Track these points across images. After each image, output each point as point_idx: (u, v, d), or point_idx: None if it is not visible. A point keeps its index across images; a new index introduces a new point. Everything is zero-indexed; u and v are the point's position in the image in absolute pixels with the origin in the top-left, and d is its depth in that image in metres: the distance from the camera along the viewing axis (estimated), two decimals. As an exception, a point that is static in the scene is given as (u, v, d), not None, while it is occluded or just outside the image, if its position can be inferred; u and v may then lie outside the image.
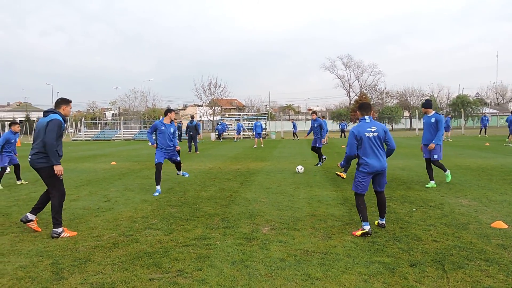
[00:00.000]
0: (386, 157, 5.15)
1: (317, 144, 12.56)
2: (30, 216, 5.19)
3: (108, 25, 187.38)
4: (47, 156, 5.00)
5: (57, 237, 4.94)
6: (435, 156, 8.16)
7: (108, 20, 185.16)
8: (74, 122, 58.12)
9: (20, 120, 61.60)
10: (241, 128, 34.72)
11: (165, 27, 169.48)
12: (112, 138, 41.71)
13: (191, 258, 4.14)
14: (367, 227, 4.84)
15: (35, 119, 59.14)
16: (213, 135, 35.48)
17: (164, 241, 4.76)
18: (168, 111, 8.39)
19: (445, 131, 27.24)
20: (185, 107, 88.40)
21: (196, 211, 6.33)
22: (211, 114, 53.99)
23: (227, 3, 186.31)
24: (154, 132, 8.26)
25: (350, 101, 66.39)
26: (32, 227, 5.22)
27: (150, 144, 8.56)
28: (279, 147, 22.96)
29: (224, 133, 35.36)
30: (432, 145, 8.06)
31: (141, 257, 4.18)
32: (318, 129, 12.51)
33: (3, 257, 4.24)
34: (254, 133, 25.26)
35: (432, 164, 8.37)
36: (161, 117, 9.23)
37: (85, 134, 44.23)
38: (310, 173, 10.88)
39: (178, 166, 8.69)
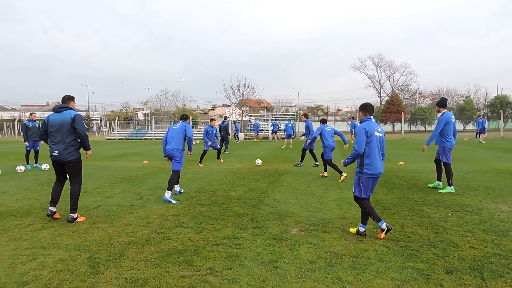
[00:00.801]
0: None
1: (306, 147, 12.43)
2: (53, 209, 5.81)
3: (140, 27, 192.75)
4: (77, 149, 5.76)
5: (72, 222, 5.61)
6: (441, 158, 8.20)
7: (140, 22, 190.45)
8: (108, 122, 60.12)
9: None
10: (258, 128, 34.74)
11: (194, 29, 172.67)
12: (144, 137, 42.80)
13: (221, 257, 4.18)
14: (383, 225, 4.76)
15: (71, 118, 61.59)
16: (242, 136, 35.67)
17: (194, 239, 4.83)
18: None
19: (481, 133, 26.13)
20: (214, 107, 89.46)
21: (226, 210, 6.39)
22: (239, 115, 54.31)
23: (257, 5, 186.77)
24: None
25: (381, 101, 64.89)
26: (56, 217, 5.88)
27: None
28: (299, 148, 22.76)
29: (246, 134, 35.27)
30: (424, 147, 8.22)
31: (172, 254, 4.26)
32: (306, 130, 12.83)
33: (44, 250, 4.44)
34: (285, 133, 25.12)
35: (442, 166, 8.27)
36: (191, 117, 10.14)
37: (118, 133, 45.57)
38: (339, 175, 10.71)
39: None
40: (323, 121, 10.93)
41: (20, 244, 4.63)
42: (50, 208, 5.77)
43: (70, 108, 5.77)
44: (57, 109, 5.70)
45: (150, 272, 3.77)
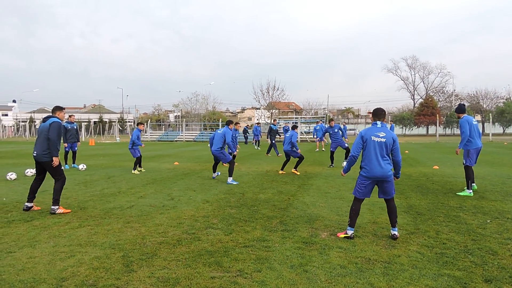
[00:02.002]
0: (395, 170, 5.08)
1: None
2: (29, 204, 6.58)
3: (173, 31, 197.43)
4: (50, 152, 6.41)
5: (54, 213, 6.28)
6: (463, 161, 8.08)
7: (173, 26, 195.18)
8: (140, 124, 61.72)
9: (94, 121, 66.96)
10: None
11: (225, 31, 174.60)
12: (175, 139, 43.68)
13: (251, 259, 4.19)
14: (350, 232, 4.96)
15: (107, 120, 63.96)
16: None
17: (224, 240, 4.88)
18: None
19: None
20: (243, 110, 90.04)
21: (255, 213, 6.41)
22: (268, 117, 54.36)
23: (287, 8, 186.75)
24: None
25: (414, 104, 63.08)
26: (34, 208, 6.61)
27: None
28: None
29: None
30: (457, 150, 8.24)
31: (203, 255, 4.32)
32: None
33: (81, 247, 4.63)
34: (315, 136, 24.66)
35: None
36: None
37: (151, 135, 46.77)
38: (371, 178, 10.51)
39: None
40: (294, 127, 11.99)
41: (59, 242, 4.85)
42: (26, 203, 6.62)
43: (54, 117, 6.62)
44: (44, 119, 6.67)
45: (181, 272, 3.84)
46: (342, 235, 5.00)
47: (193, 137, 43.98)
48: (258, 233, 5.19)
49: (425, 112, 53.39)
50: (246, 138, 31.87)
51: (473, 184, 8.01)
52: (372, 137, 4.93)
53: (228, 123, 10.12)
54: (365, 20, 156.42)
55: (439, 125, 43.57)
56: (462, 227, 5.40)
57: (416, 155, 18.56)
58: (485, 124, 54.11)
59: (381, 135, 4.92)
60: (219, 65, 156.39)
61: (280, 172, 11.72)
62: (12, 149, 25.54)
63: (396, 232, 4.93)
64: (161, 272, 3.83)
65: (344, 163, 5.02)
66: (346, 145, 13.95)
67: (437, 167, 12.81)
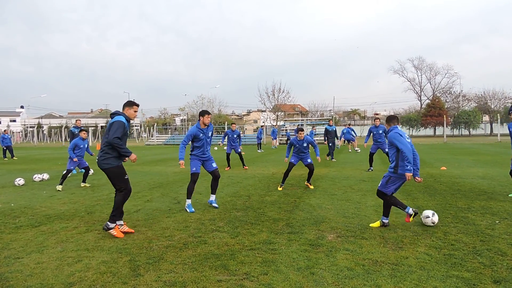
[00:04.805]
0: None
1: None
2: (111, 224, 5.33)
3: (179, 35, 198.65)
4: (112, 157, 5.33)
5: (106, 230, 5.25)
6: None
7: (179, 30, 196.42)
8: (147, 128, 62.19)
9: (101, 126, 67.44)
10: (276, 134, 33.42)
11: (231, 34, 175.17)
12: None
13: (257, 262, 4.19)
14: (411, 210, 5.46)
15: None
16: (277, 142, 35.62)
17: (230, 243, 4.88)
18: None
19: None
20: (248, 112, 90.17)
21: (261, 215, 6.40)
22: (274, 119, 54.40)
23: (292, 11, 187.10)
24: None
25: (421, 105, 62.66)
26: (124, 230, 5.44)
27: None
28: (343, 152, 22.40)
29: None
30: None
31: (209, 259, 4.32)
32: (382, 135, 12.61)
33: (88, 252, 4.65)
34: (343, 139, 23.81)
35: None
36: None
37: (157, 139, 46.99)
38: (378, 180, 10.44)
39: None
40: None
41: (67, 246, 4.88)
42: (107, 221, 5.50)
43: (121, 114, 5.65)
44: (110, 115, 5.87)
45: (188, 275, 3.85)
46: (411, 219, 5.51)
47: (199, 140, 44.00)
48: (265, 236, 5.18)
49: (432, 113, 53.02)
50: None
51: None
52: (407, 138, 5.38)
53: (203, 113, 7.23)
54: (371, 21, 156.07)
55: (446, 126, 43.18)
56: (470, 228, 5.34)
57: (424, 156, 18.41)
58: (493, 124, 53.55)
59: (407, 136, 5.46)
60: (225, 67, 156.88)
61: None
62: (21, 155, 25.80)
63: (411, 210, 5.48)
64: (168, 276, 3.84)
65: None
66: (387, 149, 12.92)
67: (445, 168, 12.70)
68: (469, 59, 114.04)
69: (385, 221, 5.54)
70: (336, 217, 6.20)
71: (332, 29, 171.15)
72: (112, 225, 5.28)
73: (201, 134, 7.13)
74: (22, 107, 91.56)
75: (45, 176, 11.79)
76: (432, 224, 5.42)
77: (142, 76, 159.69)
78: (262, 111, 66.00)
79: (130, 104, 5.74)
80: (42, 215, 6.67)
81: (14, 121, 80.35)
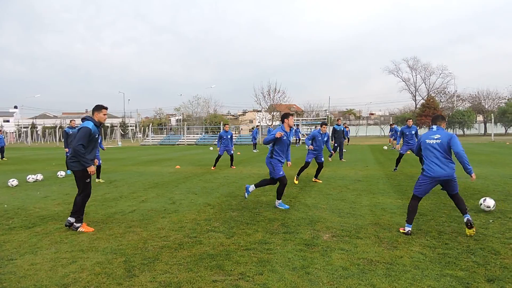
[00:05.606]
0: (462, 164, 5.14)
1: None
2: (71, 219, 5.71)
3: (174, 35, 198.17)
4: (78, 161, 5.60)
5: (75, 231, 5.55)
6: None
7: (174, 30, 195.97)
8: (142, 128, 61.98)
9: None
10: (257, 135, 33.02)
11: (227, 34, 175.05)
12: (177, 143, 43.73)
13: (252, 262, 4.19)
14: (408, 229, 5.14)
15: (108, 125, 64.11)
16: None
17: (226, 244, 4.87)
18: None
19: None
20: (244, 112, 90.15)
21: (256, 215, 6.40)
22: (269, 119, 54.45)
23: (288, 11, 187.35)
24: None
25: (416, 105, 62.94)
26: (82, 229, 5.60)
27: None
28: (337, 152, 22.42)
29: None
30: None
31: (204, 259, 4.32)
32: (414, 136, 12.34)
33: (83, 253, 4.62)
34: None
35: None
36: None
37: (152, 139, 46.82)
38: (373, 180, 10.50)
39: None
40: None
41: (61, 247, 4.85)
42: (69, 217, 5.85)
43: (89, 120, 5.89)
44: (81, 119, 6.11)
45: (183, 276, 3.84)
46: (402, 230, 5.25)
47: (195, 140, 44.03)
48: (260, 236, 5.18)
49: (427, 113, 53.24)
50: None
51: None
52: (427, 140, 5.31)
53: (286, 115, 7.20)
54: (368, 22, 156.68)
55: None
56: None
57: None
58: (487, 124, 53.90)
59: (435, 137, 5.25)
60: (220, 67, 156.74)
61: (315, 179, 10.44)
62: (14, 155, 25.60)
63: (469, 217, 5.02)
64: (163, 277, 3.83)
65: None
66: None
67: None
68: (464, 60, 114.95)
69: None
70: (331, 216, 6.21)
71: (328, 30, 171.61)
72: (78, 224, 5.64)
73: (285, 137, 6.92)
74: (15, 107, 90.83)
75: (39, 176, 11.71)
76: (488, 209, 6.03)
77: (137, 76, 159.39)
78: (258, 111, 66.04)
79: (98, 108, 5.90)
80: (36, 216, 6.62)
81: (8, 121, 79.63)
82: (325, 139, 10.03)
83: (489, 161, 14.79)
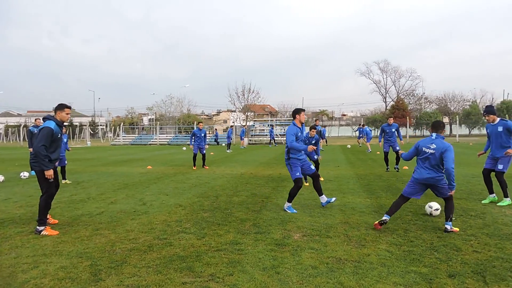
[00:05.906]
0: (447, 179, 5.30)
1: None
2: (41, 227, 5.45)
3: (147, 33, 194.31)
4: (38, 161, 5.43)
5: (38, 234, 5.33)
6: (500, 167, 6.94)
7: (148, 28, 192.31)
8: (113, 127, 60.46)
9: (64, 125, 64.83)
10: (244, 134, 33.21)
11: (202, 34, 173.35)
12: (149, 143, 42.95)
13: (223, 263, 4.17)
14: (386, 217, 5.34)
15: (77, 124, 62.16)
16: (246, 141, 35.68)
17: (196, 245, 4.83)
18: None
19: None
20: (218, 112, 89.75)
21: (228, 216, 6.38)
22: (243, 120, 54.43)
23: (262, 11, 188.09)
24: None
25: (386, 106, 64.70)
26: (45, 233, 5.39)
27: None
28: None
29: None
30: (509, 151, 6.81)
31: (174, 261, 4.26)
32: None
33: (46, 257, 4.45)
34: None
35: (496, 177, 7.08)
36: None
37: (124, 139, 45.78)
38: (343, 180, 10.69)
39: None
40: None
41: (22, 252, 4.65)
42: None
43: (51, 119, 5.72)
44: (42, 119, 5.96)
45: (151, 279, 3.77)
46: (377, 222, 5.42)
47: (168, 140, 43.40)
48: (231, 236, 5.17)
49: (396, 114, 54.83)
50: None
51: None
52: (424, 147, 5.44)
53: (298, 110, 6.94)
54: (340, 24, 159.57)
55: (409, 127, 44.88)
56: (428, 225, 5.57)
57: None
58: (452, 125, 56.13)
59: (432, 147, 5.35)
60: (195, 67, 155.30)
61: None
62: (-25, 156, 24.35)
63: (447, 226, 5.20)
64: (130, 280, 3.74)
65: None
66: (398, 147, 12.22)
67: (407, 168, 13.17)
68: (431, 63, 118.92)
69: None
70: (302, 216, 6.28)
71: (303, 29, 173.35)
72: (41, 228, 5.41)
73: (299, 133, 6.68)
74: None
75: (0, 178, 11.19)
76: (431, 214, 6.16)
77: (108, 75, 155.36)
78: (232, 111, 65.87)
79: (61, 107, 5.76)
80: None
81: (-32, 119, 75.65)
82: (313, 142, 9.65)
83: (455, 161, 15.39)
